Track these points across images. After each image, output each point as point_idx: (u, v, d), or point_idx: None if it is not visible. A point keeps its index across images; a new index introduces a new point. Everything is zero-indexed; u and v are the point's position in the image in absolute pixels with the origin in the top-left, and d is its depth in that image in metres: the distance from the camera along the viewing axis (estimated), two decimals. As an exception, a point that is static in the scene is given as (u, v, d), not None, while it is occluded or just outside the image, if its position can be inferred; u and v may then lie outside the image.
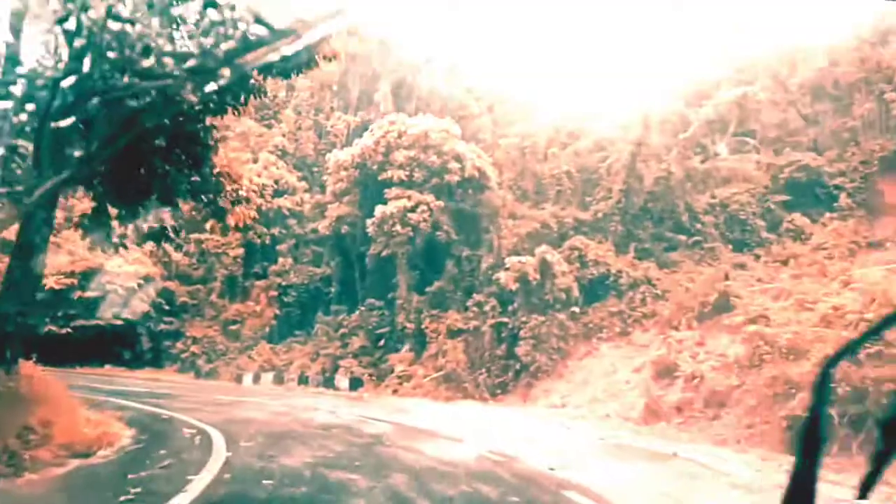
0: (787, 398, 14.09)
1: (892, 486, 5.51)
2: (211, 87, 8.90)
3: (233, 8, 8.58)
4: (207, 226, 27.44)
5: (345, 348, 29.56)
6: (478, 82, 37.93)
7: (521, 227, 29.14)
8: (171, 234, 12.13)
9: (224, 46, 8.59)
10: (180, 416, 13.56)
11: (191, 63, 8.30)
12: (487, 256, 28.23)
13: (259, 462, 8.31)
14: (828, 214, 25.03)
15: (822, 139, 28.60)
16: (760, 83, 28.99)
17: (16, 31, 8.77)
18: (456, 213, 29.30)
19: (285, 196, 35.53)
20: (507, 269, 24.81)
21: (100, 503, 6.32)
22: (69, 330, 28.58)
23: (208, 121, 10.65)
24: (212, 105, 10.20)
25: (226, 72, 8.79)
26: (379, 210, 28.55)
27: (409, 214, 28.15)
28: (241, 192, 11.39)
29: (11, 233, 9.41)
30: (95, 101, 8.77)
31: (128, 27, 8.31)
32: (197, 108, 9.83)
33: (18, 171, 9.07)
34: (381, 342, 28.91)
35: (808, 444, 1.47)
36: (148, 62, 8.26)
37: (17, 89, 8.57)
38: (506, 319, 25.42)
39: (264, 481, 6.99)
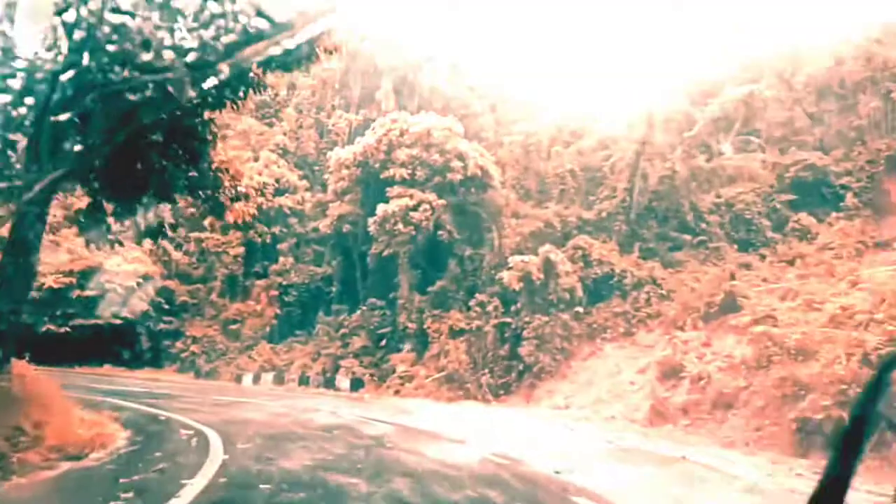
0: (796, 399, 13.86)
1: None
2: (210, 81, 8.70)
3: (234, 0, 8.39)
4: (207, 224, 27.50)
5: (346, 348, 29.33)
6: (480, 80, 37.83)
7: (525, 227, 28.90)
8: (169, 231, 11.94)
9: (224, 39, 8.39)
10: (178, 416, 13.37)
11: (191, 57, 8.09)
12: (490, 256, 28.00)
13: (256, 465, 8.08)
14: (834, 214, 24.73)
15: (827, 138, 28.35)
16: (766, 82, 28.75)
17: (12, 22, 8.55)
18: (458, 211, 29.04)
19: (286, 195, 35.35)
20: (510, 268, 24.50)
21: (90, 508, 6.09)
22: (68, 329, 28.38)
23: (206, 115, 10.44)
24: (210, 99, 9.98)
25: (225, 66, 8.59)
26: (381, 209, 28.33)
27: (412, 213, 27.91)
28: (239, 188, 11.15)
29: (4, 229, 9.19)
30: (94, 94, 8.56)
31: (127, 19, 8.11)
32: (195, 102, 9.61)
33: (18, 166, 8.87)
34: (383, 342, 28.68)
35: (849, 445, 1.45)
36: (147, 56, 8.06)
37: (16, 83, 8.32)
38: (509, 319, 25.13)
39: (261, 486, 6.76)
